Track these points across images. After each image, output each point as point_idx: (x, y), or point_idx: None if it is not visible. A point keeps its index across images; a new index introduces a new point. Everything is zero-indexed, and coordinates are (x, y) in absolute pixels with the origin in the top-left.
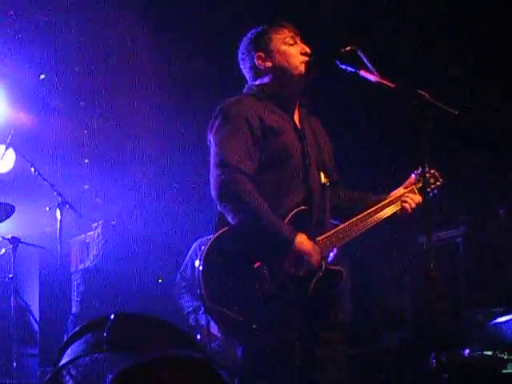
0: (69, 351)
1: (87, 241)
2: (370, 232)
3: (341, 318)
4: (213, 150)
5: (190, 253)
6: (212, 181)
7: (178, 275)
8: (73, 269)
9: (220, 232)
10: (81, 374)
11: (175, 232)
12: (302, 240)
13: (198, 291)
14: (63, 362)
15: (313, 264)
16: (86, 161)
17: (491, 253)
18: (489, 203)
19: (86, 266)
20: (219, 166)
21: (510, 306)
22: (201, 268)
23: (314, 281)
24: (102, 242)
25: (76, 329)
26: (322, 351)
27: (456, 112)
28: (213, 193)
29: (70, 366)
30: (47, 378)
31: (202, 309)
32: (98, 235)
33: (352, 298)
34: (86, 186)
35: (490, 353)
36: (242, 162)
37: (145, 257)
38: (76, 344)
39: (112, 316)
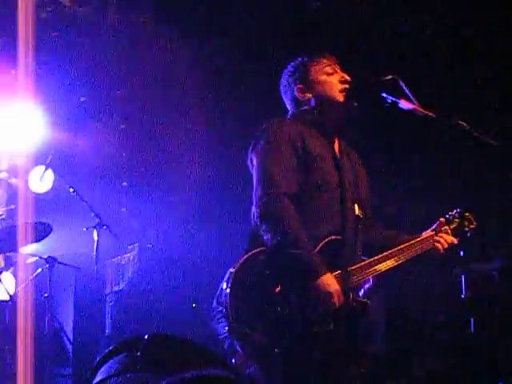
0: (102, 370)
1: (123, 263)
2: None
3: (369, 350)
4: (256, 169)
5: (225, 278)
6: (255, 199)
7: (215, 300)
8: (107, 290)
9: (250, 254)
10: None
11: (211, 257)
12: (327, 280)
13: (224, 311)
14: (96, 380)
15: (333, 305)
16: (124, 183)
17: None
18: None
19: (121, 287)
20: (263, 186)
21: None
22: (228, 290)
23: (339, 312)
24: (138, 264)
25: (110, 348)
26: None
27: (497, 143)
28: (254, 211)
29: None
30: None
31: (227, 332)
32: (134, 257)
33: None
34: (124, 209)
35: None
36: (286, 184)
37: (180, 281)
38: (109, 363)
39: (146, 336)
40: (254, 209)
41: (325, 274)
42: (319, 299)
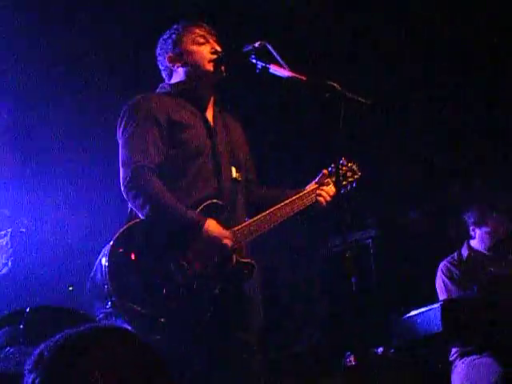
0: None
1: None
2: (279, 238)
3: (253, 321)
4: (120, 148)
5: (99, 258)
6: (120, 180)
7: (88, 282)
8: None
9: (126, 226)
10: None
11: (86, 241)
12: (211, 224)
13: (106, 287)
14: None
15: (226, 246)
16: None
17: (401, 254)
18: (399, 205)
19: None
20: (124, 165)
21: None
22: (107, 264)
23: (224, 274)
24: (11, 250)
25: None
26: (234, 349)
27: (369, 102)
28: (122, 191)
29: None
30: None
31: (110, 308)
32: (7, 243)
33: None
34: None
35: (403, 350)
36: (145, 158)
37: (55, 265)
38: None
39: (28, 309)
40: (122, 190)
41: (206, 220)
42: (210, 245)
